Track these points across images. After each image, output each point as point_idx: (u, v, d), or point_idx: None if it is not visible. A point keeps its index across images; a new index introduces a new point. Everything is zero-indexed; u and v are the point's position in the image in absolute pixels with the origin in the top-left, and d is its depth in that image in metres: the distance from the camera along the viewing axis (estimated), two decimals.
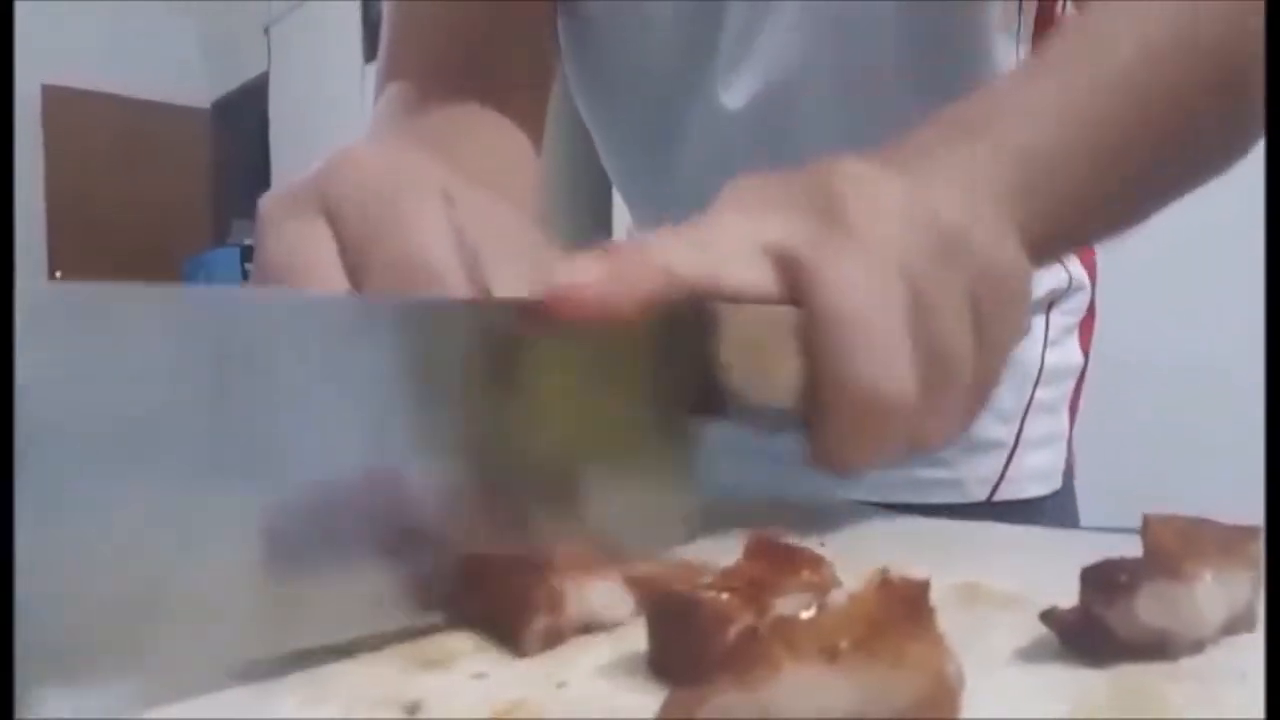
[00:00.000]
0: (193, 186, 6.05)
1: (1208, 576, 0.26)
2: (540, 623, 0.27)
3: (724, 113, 0.63)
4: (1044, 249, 0.38)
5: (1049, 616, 0.27)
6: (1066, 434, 0.73)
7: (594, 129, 0.74)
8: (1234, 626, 0.27)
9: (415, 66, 0.63)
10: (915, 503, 0.64)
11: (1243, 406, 2.17)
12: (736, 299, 0.31)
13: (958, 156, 0.36)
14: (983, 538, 0.42)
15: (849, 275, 0.31)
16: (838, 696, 0.20)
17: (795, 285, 0.32)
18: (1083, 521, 0.75)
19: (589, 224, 3.59)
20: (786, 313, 0.31)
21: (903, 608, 0.21)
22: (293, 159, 4.50)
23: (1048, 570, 0.30)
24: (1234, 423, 2.19)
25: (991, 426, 0.68)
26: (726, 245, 0.32)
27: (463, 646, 0.28)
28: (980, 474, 0.69)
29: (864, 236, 0.31)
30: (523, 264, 0.31)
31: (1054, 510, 0.72)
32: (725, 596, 0.26)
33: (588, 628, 0.29)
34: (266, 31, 5.92)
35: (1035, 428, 0.70)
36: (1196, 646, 0.27)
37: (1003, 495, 0.69)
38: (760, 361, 0.31)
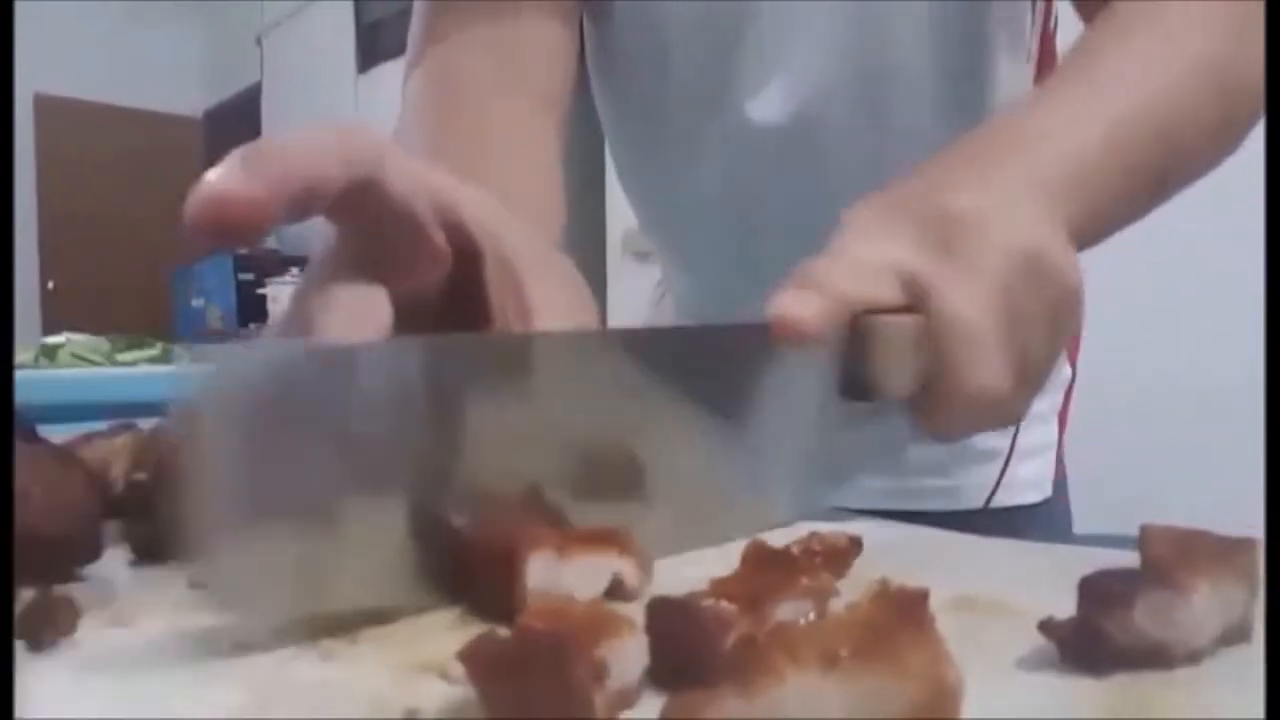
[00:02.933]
0: (185, 196, 6.05)
1: (1204, 587, 0.26)
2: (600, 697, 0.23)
3: (750, 127, 0.63)
4: (1077, 245, 0.43)
5: (1047, 626, 0.27)
6: (1056, 443, 0.74)
7: (616, 147, 0.74)
8: (1230, 637, 0.27)
9: (445, 61, 0.62)
10: (913, 510, 0.64)
11: (1229, 420, 2.20)
12: (875, 311, 0.38)
13: (1025, 165, 0.43)
14: (980, 548, 0.43)
15: (962, 294, 0.38)
16: (837, 704, 0.20)
17: (918, 300, 0.39)
18: (1076, 529, 0.76)
19: (583, 226, 3.60)
20: (917, 322, 0.39)
21: (901, 616, 0.21)
22: None
23: (1045, 581, 0.31)
24: (1221, 435, 2.21)
25: (988, 436, 0.70)
26: (864, 268, 0.39)
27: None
28: (977, 481, 0.71)
29: (972, 262, 0.38)
30: (562, 290, 0.38)
31: (1045, 517, 0.74)
32: (724, 604, 0.26)
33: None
34: (259, 41, 5.93)
35: (1029, 437, 0.72)
36: (1193, 657, 0.27)
37: (998, 502, 0.71)
38: (897, 360, 0.39)
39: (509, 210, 0.38)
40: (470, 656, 0.23)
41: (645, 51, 0.67)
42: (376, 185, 0.32)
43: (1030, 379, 0.40)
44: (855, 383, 0.39)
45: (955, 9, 0.60)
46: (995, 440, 0.70)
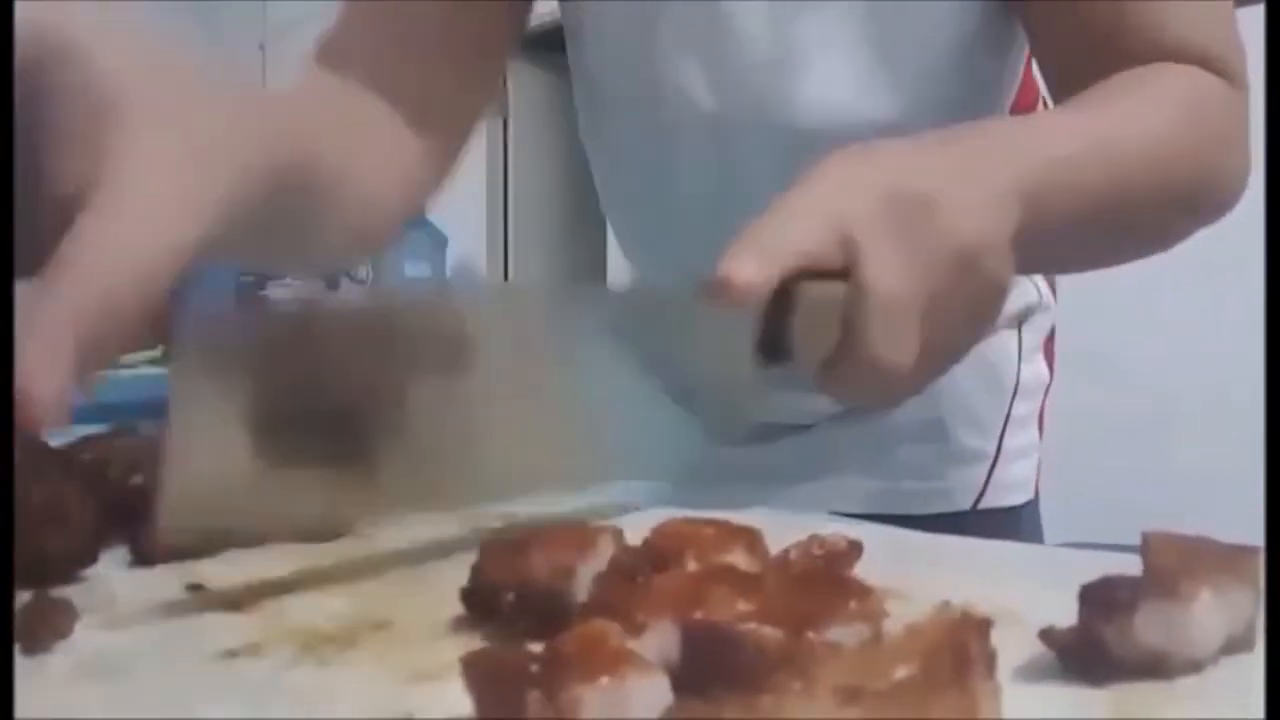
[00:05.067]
0: None
1: (1206, 595, 0.26)
2: None
3: (703, 112, 0.63)
4: (1031, 256, 0.44)
5: (1048, 635, 0.27)
6: (1038, 444, 0.75)
7: (593, 158, 0.74)
8: (1233, 647, 0.27)
9: (356, 44, 0.62)
10: (901, 514, 0.64)
11: (1198, 424, 2.20)
12: (807, 274, 0.39)
13: (1000, 165, 0.44)
14: (975, 554, 0.42)
15: (890, 269, 0.39)
16: None
17: (849, 262, 0.39)
18: (1046, 534, 0.77)
19: (585, 257, 3.61)
20: (839, 290, 0.39)
21: (953, 650, 0.20)
22: None
23: (1043, 588, 0.30)
24: (1188, 440, 2.22)
25: (976, 438, 0.71)
26: (811, 218, 0.39)
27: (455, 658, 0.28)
28: (966, 483, 0.71)
29: (912, 242, 0.39)
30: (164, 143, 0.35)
31: (1029, 518, 0.75)
32: (766, 630, 0.25)
33: None
34: (262, 48, 5.94)
35: (1014, 439, 0.72)
36: (1194, 666, 0.26)
37: (986, 504, 0.71)
38: (819, 328, 0.40)
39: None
40: (472, 665, 0.23)
41: (617, 50, 0.67)
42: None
43: (933, 364, 0.42)
44: (774, 345, 0.40)
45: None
46: (983, 442, 0.71)
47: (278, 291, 3.51)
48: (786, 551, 0.32)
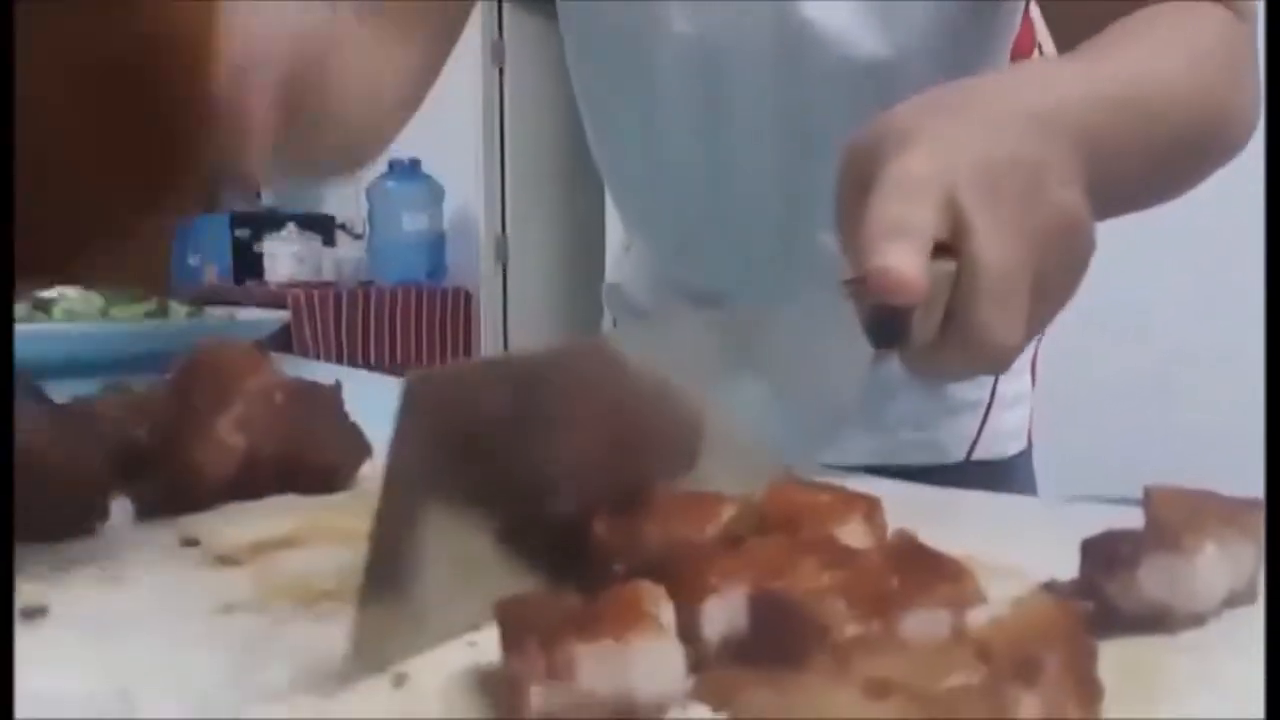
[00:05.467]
0: None
1: (1210, 549, 0.26)
2: (539, 698, 0.21)
3: (684, 41, 0.63)
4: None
5: (1051, 589, 0.27)
6: (1030, 393, 0.75)
7: (583, 107, 0.73)
8: (1236, 599, 0.27)
9: None
10: (894, 465, 0.64)
11: (1202, 378, 2.20)
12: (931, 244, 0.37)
13: (1071, 122, 0.42)
14: (975, 508, 0.42)
15: (1002, 245, 0.37)
16: None
17: (956, 234, 0.38)
18: (1040, 490, 0.77)
19: (582, 207, 3.58)
20: (950, 267, 0.38)
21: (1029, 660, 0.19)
22: None
23: (1044, 542, 0.30)
24: (1192, 393, 2.22)
25: (968, 388, 0.71)
26: (921, 186, 0.38)
27: None
28: (959, 433, 0.71)
29: (1020, 216, 0.38)
30: None
31: (1023, 468, 0.75)
32: (838, 605, 0.23)
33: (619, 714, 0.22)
34: None
35: (1007, 387, 0.73)
36: (1197, 619, 0.26)
37: (979, 454, 0.71)
38: (934, 307, 0.38)
39: None
40: (503, 611, 0.23)
41: None
42: None
43: (1028, 337, 0.40)
44: (886, 328, 0.38)
45: None
46: (976, 391, 0.71)
47: (274, 246, 3.49)
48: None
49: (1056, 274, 0.40)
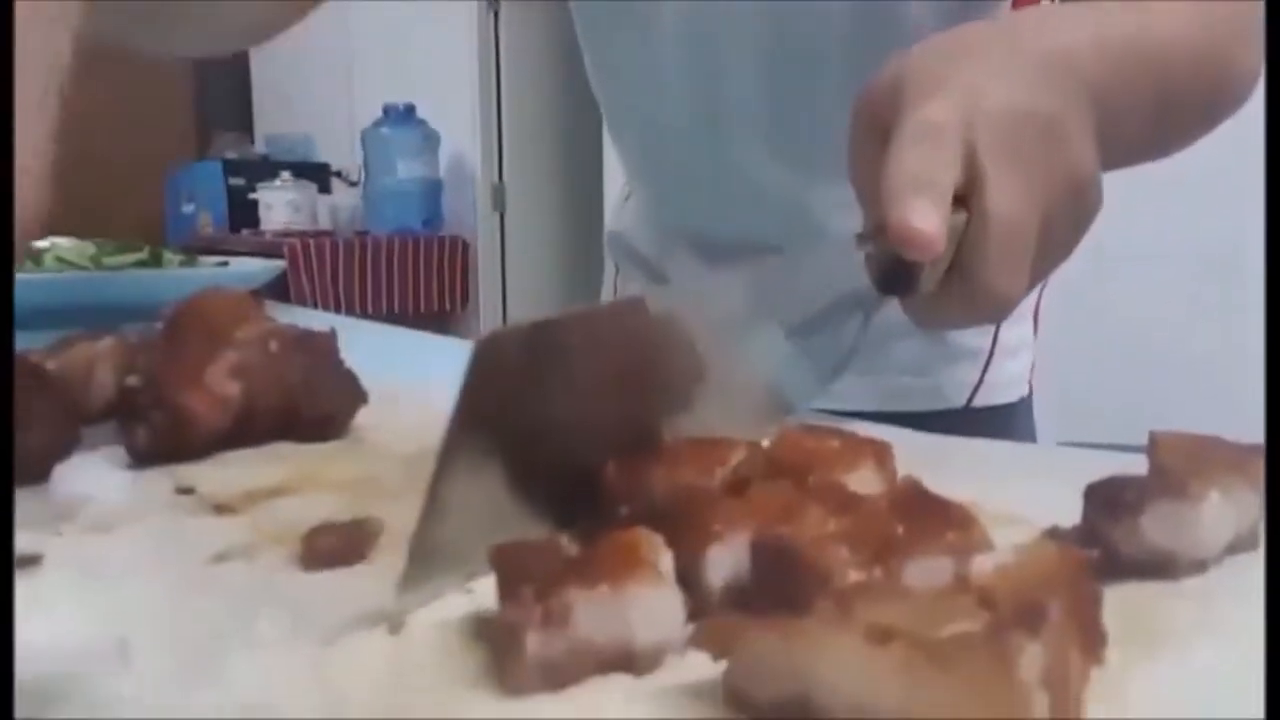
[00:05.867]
0: (176, 100, 5.95)
1: (1214, 496, 0.26)
2: (535, 645, 0.21)
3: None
4: None
5: (1053, 535, 0.26)
6: (1032, 341, 0.75)
7: (579, 22, 0.72)
8: (1238, 545, 0.27)
9: None
10: (895, 410, 0.64)
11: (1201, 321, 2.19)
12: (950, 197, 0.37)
13: (1085, 76, 0.41)
14: (977, 454, 0.42)
15: (1015, 197, 0.37)
16: (877, 684, 0.18)
17: (970, 183, 0.37)
18: (1040, 436, 0.77)
19: (580, 151, 3.55)
20: (961, 219, 0.38)
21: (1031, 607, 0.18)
22: (273, 73, 4.40)
23: (1046, 488, 0.30)
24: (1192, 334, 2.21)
25: (970, 335, 0.70)
26: (943, 137, 0.38)
27: None
28: (960, 380, 0.71)
29: (1036, 171, 0.38)
30: None
31: (1024, 415, 0.75)
32: (840, 551, 0.23)
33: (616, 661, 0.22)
34: None
35: (1009, 335, 0.72)
36: (1199, 566, 0.26)
37: (980, 401, 0.71)
38: (945, 256, 0.37)
39: None
40: (499, 556, 0.23)
41: None
42: None
43: (1030, 287, 0.41)
44: (897, 278, 0.38)
45: None
46: (977, 338, 0.71)
47: (269, 194, 3.46)
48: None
49: (1063, 228, 0.40)
